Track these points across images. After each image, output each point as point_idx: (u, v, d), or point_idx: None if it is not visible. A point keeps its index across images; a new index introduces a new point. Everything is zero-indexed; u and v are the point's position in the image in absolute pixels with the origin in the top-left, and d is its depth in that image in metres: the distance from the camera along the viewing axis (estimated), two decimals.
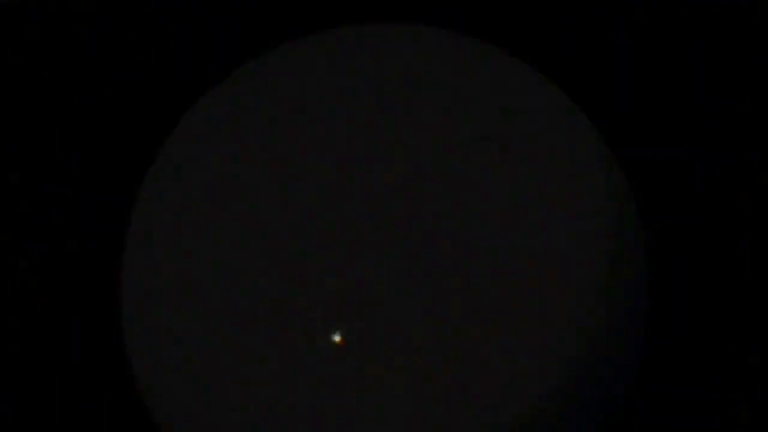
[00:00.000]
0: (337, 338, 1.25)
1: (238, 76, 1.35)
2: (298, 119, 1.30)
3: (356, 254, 1.26)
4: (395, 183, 1.26)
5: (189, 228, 1.29)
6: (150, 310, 1.32)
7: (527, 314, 1.24)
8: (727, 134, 1.44)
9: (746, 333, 1.41)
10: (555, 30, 1.41)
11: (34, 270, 1.42)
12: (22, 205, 1.42)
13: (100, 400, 1.40)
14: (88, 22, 1.42)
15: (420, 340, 1.23)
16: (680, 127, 1.43)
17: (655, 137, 1.42)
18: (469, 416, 1.23)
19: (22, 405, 1.40)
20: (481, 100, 1.30)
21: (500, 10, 1.41)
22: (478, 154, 1.26)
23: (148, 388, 1.33)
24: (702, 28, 1.45)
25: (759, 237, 1.43)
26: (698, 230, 1.42)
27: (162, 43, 1.41)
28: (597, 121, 1.38)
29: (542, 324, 1.23)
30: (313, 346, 1.26)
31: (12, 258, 1.42)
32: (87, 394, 1.40)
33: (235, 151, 1.30)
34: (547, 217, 1.26)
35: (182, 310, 1.29)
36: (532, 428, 1.25)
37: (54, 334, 1.41)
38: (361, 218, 1.26)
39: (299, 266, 1.26)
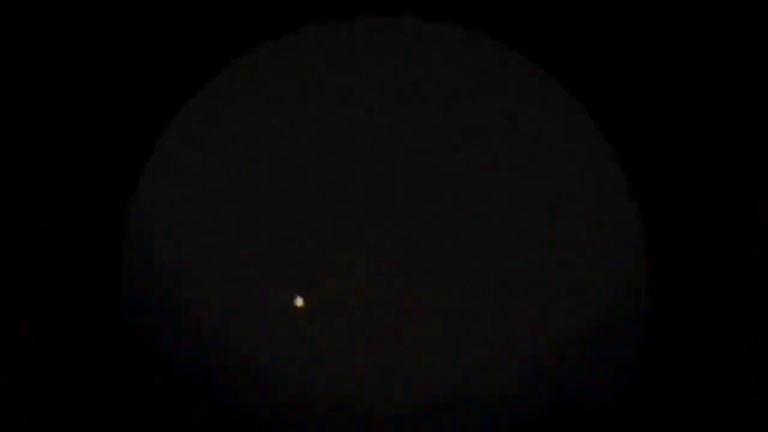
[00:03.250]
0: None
1: (233, 71, 1.35)
2: (296, 113, 1.30)
3: (355, 248, 1.25)
4: (394, 176, 1.25)
5: (186, 222, 1.29)
6: (149, 308, 1.32)
7: (526, 311, 1.24)
8: (728, 134, 1.44)
9: (746, 333, 1.41)
10: (558, 27, 1.41)
11: (35, 270, 1.42)
12: (22, 205, 1.42)
13: (101, 400, 1.40)
14: (84, 22, 1.42)
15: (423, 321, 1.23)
16: (681, 126, 1.43)
17: (657, 136, 1.42)
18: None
19: (22, 405, 1.40)
20: (482, 96, 1.29)
21: (503, 6, 1.41)
22: (478, 150, 1.26)
23: (149, 386, 1.33)
24: (703, 27, 1.45)
25: (759, 237, 1.43)
26: (698, 230, 1.42)
27: (158, 38, 1.41)
28: (599, 119, 1.38)
29: (541, 320, 1.24)
30: (313, 346, 1.26)
31: (12, 258, 1.42)
32: (87, 394, 1.40)
33: (232, 146, 1.30)
34: (547, 214, 1.26)
35: (182, 307, 1.29)
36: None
37: (54, 333, 1.41)
38: (358, 213, 1.26)
39: (299, 266, 1.26)
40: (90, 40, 1.43)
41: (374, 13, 1.36)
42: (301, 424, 1.26)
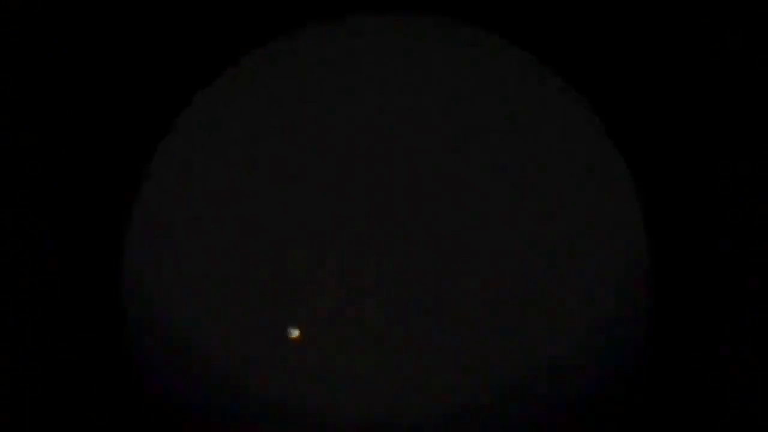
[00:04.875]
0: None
1: (235, 73, 1.35)
2: (298, 111, 1.29)
3: (355, 248, 1.25)
4: (394, 175, 1.25)
5: (189, 221, 1.29)
6: (150, 306, 1.32)
7: (529, 309, 1.24)
8: (729, 132, 1.44)
9: (746, 332, 1.41)
10: (558, 21, 1.40)
11: (37, 270, 1.42)
12: (24, 206, 1.42)
13: (103, 396, 1.39)
14: (87, 22, 1.42)
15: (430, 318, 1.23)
16: (683, 124, 1.43)
17: (658, 132, 1.42)
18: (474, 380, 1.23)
19: (23, 404, 1.40)
20: (481, 89, 1.29)
21: (509, 2, 1.41)
22: (478, 147, 1.26)
23: (149, 385, 1.33)
24: (706, 28, 1.45)
25: (759, 236, 1.43)
26: (698, 228, 1.42)
27: (160, 41, 1.41)
28: (601, 115, 1.38)
29: (543, 319, 1.23)
30: (313, 340, 1.26)
31: (14, 258, 1.42)
32: (89, 391, 1.40)
33: (235, 147, 1.30)
34: (548, 213, 1.26)
35: (182, 306, 1.29)
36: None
37: (55, 335, 1.40)
38: (360, 213, 1.26)
39: (301, 265, 1.26)
40: (92, 43, 1.43)
41: (375, 11, 1.36)
42: None
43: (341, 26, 1.34)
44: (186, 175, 1.32)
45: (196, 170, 1.32)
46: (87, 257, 1.41)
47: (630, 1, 1.43)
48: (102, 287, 1.40)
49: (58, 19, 1.43)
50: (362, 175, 1.27)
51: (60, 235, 1.41)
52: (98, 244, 1.40)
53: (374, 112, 1.29)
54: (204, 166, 1.31)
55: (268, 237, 1.28)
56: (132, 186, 1.39)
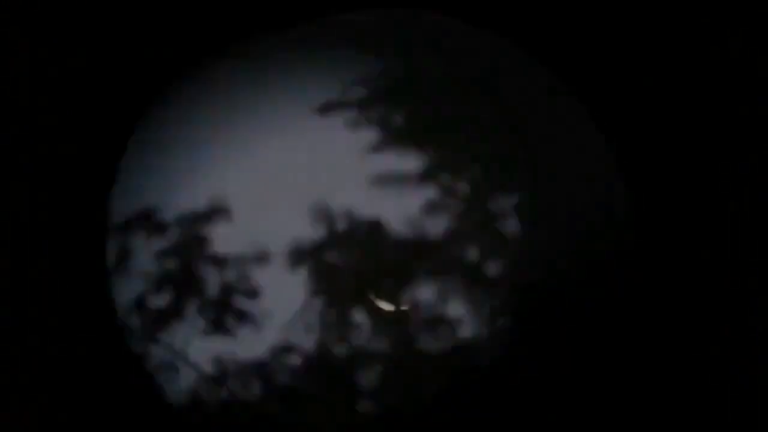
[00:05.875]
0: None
1: (216, 68, 1.35)
2: (287, 107, 1.29)
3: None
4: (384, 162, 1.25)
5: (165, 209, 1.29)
6: (146, 298, 1.32)
7: None
8: (728, 132, 1.44)
9: (746, 327, 1.41)
10: (563, 24, 1.40)
11: (35, 263, 1.41)
12: (20, 199, 1.42)
13: (103, 388, 1.39)
14: (75, 17, 1.41)
15: None
16: (681, 124, 1.43)
17: (655, 132, 1.42)
18: None
19: (24, 400, 1.39)
20: (485, 88, 1.29)
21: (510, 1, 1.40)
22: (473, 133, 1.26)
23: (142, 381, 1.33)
24: (706, 29, 1.44)
25: (758, 233, 1.43)
26: (693, 219, 1.42)
27: (154, 26, 1.40)
28: (598, 115, 1.38)
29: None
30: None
31: (11, 251, 1.42)
32: (89, 384, 1.39)
33: (212, 142, 1.30)
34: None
35: (179, 301, 1.29)
36: None
37: (51, 326, 1.40)
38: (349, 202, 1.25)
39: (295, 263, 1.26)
40: (77, 35, 1.42)
41: (372, 9, 1.35)
42: None
43: (337, 22, 1.34)
44: (162, 166, 1.32)
45: (172, 162, 1.32)
46: (69, 254, 1.40)
47: (630, 1, 1.43)
48: (88, 283, 1.40)
49: (54, 20, 1.42)
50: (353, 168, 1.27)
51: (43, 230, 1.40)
52: (81, 240, 1.40)
53: (370, 109, 1.29)
54: (179, 159, 1.31)
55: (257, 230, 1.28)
56: (107, 180, 1.39)
